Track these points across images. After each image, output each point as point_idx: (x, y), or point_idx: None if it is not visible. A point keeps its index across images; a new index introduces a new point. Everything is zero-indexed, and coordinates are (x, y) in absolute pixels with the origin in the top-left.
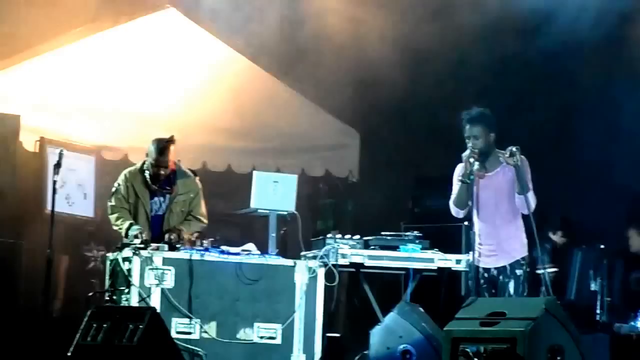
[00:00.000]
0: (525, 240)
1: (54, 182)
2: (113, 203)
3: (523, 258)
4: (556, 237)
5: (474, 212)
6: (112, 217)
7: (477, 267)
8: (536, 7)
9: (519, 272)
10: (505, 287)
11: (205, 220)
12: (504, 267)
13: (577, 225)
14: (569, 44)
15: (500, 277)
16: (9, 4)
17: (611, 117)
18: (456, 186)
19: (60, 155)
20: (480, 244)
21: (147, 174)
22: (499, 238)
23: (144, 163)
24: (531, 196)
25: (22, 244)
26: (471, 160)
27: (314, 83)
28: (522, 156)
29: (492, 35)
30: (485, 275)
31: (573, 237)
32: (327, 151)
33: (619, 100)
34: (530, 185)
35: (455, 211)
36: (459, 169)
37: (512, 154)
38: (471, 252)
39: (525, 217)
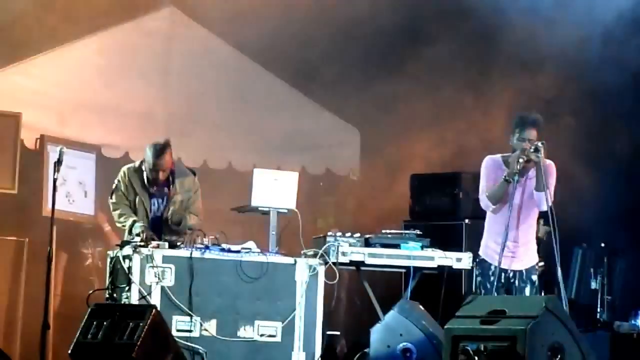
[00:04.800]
0: (536, 247)
1: (55, 180)
2: (114, 200)
3: (537, 264)
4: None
5: (501, 212)
6: (115, 214)
7: (490, 264)
8: None
9: (534, 277)
10: (522, 292)
11: (201, 216)
12: (520, 271)
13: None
14: None
15: (516, 282)
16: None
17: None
18: (484, 179)
19: (61, 153)
20: (503, 243)
21: (145, 176)
22: (520, 241)
23: (142, 162)
24: (548, 197)
25: (24, 242)
26: (520, 160)
27: (315, 81)
28: (550, 161)
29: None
30: (497, 273)
31: (555, 228)
32: (328, 149)
33: None
34: (551, 191)
35: (486, 204)
36: (488, 162)
37: (536, 149)
38: (485, 251)
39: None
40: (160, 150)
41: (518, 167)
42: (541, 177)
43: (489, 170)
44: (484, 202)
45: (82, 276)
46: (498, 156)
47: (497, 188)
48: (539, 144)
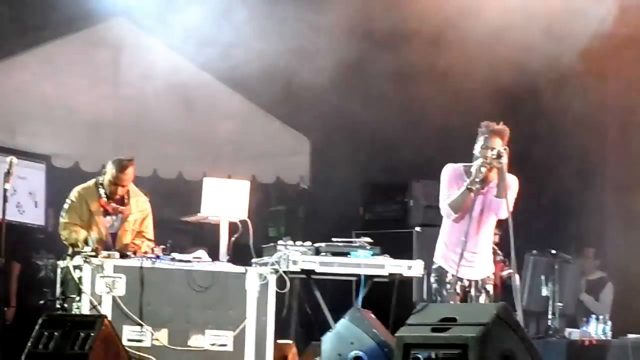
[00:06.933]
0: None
1: (5, 191)
2: (66, 220)
3: (492, 273)
4: None
5: (461, 220)
6: (64, 233)
7: (447, 272)
8: None
9: (489, 287)
10: (477, 301)
11: (154, 238)
12: (477, 280)
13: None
14: None
15: (472, 290)
16: None
17: None
18: (445, 187)
19: (11, 163)
20: (462, 252)
21: (102, 191)
22: (478, 252)
23: (96, 181)
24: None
25: None
26: (482, 169)
27: (265, 90)
28: (514, 176)
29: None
30: (454, 282)
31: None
32: (278, 158)
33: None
34: (509, 203)
35: (447, 213)
36: (449, 170)
37: (499, 155)
38: (442, 258)
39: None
40: (126, 165)
41: (480, 175)
42: (503, 183)
43: (450, 178)
44: (446, 210)
45: (36, 287)
46: (459, 165)
47: (459, 197)
48: (502, 149)
